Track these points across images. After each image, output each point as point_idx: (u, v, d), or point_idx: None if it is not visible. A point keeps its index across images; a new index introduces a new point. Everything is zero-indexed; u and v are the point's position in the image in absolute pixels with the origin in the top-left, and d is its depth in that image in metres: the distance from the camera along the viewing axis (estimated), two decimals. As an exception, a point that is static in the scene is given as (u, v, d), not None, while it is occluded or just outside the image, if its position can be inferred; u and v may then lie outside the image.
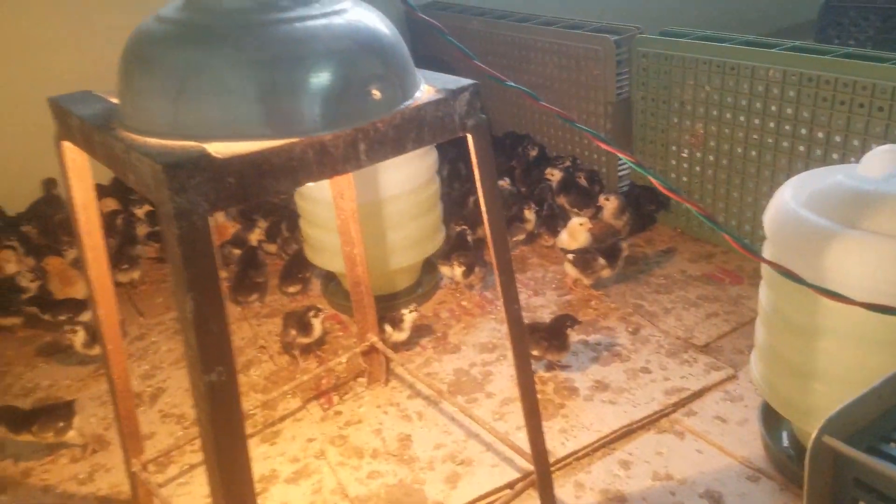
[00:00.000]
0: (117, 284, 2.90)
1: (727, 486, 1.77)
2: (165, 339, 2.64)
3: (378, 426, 2.12)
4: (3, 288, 2.79)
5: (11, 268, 2.91)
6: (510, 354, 2.34)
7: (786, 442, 1.86)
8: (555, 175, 3.29)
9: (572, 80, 3.36)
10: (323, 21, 1.17)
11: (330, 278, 2.90)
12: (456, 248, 2.82)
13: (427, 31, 1.30)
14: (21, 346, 2.65)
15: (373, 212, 2.47)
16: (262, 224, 3.16)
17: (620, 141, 3.23)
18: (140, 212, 3.36)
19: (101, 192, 3.37)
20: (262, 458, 2.02)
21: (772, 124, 2.62)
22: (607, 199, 2.99)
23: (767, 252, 1.70)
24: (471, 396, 2.20)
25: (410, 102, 1.27)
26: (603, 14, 3.79)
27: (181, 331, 1.12)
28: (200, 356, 1.11)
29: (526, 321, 2.37)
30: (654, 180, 1.28)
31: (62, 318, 2.63)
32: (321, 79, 1.15)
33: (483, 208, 1.45)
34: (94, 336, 2.41)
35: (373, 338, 2.26)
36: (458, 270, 2.72)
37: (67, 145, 1.45)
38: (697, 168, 2.95)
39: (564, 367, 2.27)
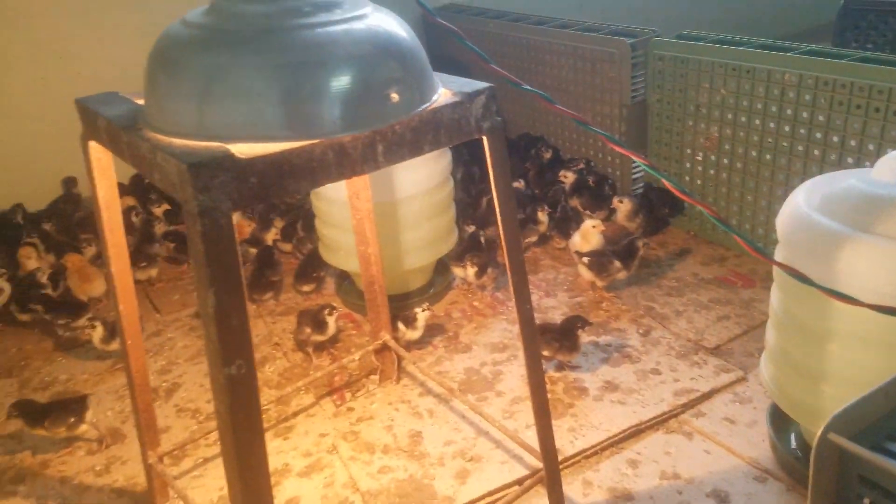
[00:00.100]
0: (135, 282, 2.96)
1: (734, 486, 1.79)
2: (181, 336, 2.69)
3: (389, 422, 2.14)
4: (23, 284, 2.84)
5: (32, 264, 2.97)
6: (521, 354, 2.38)
7: (794, 444, 1.87)
8: (568, 177, 3.31)
9: (587, 82, 3.38)
10: (344, 26, 1.20)
11: (344, 277, 2.94)
12: (469, 249, 2.84)
13: (443, 34, 1.33)
14: (39, 340, 2.70)
15: (388, 212, 2.50)
16: (279, 223, 3.21)
17: (635, 144, 3.24)
18: (158, 211, 3.41)
19: (121, 191, 3.42)
20: (275, 452, 2.05)
21: (787, 128, 2.62)
22: (621, 202, 3.00)
23: (780, 255, 1.71)
24: (481, 395, 2.23)
25: (428, 105, 1.29)
26: (619, 17, 3.79)
27: (202, 324, 1.15)
28: (221, 350, 1.14)
29: (537, 322, 2.40)
30: (666, 183, 1.30)
31: (62, 321, 2.66)
32: (341, 83, 1.18)
33: (497, 209, 1.47)
34: (112, 332, 2.46)
35: (386, 336, 2.29)
36: (470, 271, 2.74)
37: (93, 145, 1.49)
38: (711, 171, 2.96)
39: (574, 368, 2.29)
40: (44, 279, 2.84)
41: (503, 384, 2.27)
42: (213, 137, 1.16)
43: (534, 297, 2.71)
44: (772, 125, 2.67)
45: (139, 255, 2.98)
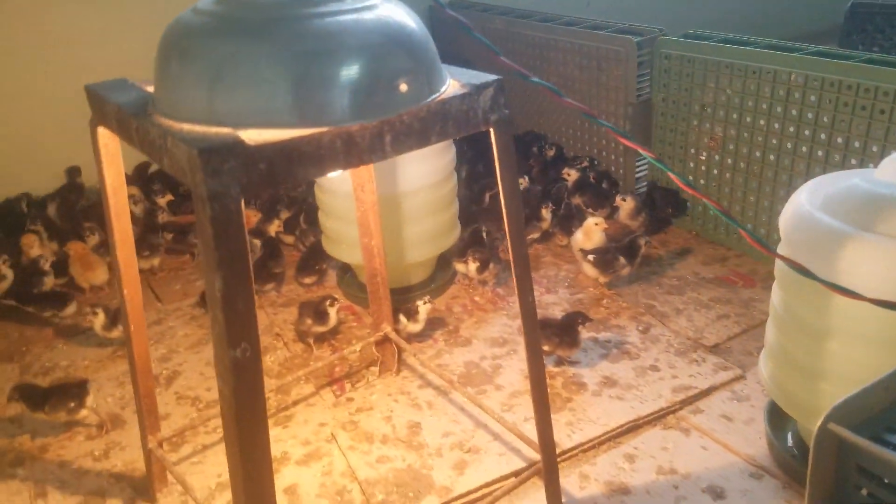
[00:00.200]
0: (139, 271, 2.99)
1: (730, 482, 1.80)
2: (182, 325, 2.69)
3: (388, 413, 2.15)
4: (26, 271, 2.85)
5: (35, 252, 2.97)
6: (520, 349, 2.40)
7: (790, 442, 1.87)
8: (571, 175, 3.32)
9: (593, 80, 3.38)
10: (353, 16, 1.21)
11: (345, 270, 2.94)
12: (470, 244, 2.85)
13: (450, 28, 1.34)
14: (41, 326, 2.71)
15: (391, 205, 2.51)
16: (283, 215, 3.22)
17: (639, 142, 3.24)
18: (162, 201, 3.42)
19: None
20: (274, 440, 2.04)
21: (791, 128, 2.63)
22: (624, 200, 3.01)
23: (782, 253, 1.71)
24: (480, 388, 2.23)
25: (436, 96, 1.30)
26: (625, 15, 3.79)
27: (209, 307, 1.16)
28: (227, 332, 1.15)
29: (538, 317, 2.41)
30: (672, 175, 1.31)
31: (47, 313, 2.69)
32: (351, 72, 1.19)
33: (503, 201, 1.48)
34: (114, 319, 2.47)
35: (387, 328, 2.30)
36: (472, 266, 2.75)
37: (102, 131, 1.50)
38: (715, 171, 2.96)
39: (574, 363, 2.30)
40: (46, 266, 2.84)
41: (502, 378, 2.28)
42: (223, 123, 1.17)
43: (534, 293, 2.71)
44: (776, 126, 2.68)
45: (142, 244, 2.98)
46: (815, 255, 1.56)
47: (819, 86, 2.48)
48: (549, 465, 1.65)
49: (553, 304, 2.66)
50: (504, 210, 1.48)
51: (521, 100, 3.90)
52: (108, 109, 1.42)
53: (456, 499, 1.81)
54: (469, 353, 2.42)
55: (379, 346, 2.33)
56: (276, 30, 1.19)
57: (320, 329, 2.48)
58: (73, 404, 2.09)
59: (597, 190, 3.25)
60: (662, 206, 3.06)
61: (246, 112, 1.18)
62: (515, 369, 2.31)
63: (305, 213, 3.12)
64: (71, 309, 2.71)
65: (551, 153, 3.63)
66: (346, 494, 1.86)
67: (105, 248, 3.01)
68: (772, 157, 2.73)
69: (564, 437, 1.97)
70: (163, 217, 3.31)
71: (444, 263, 2.92)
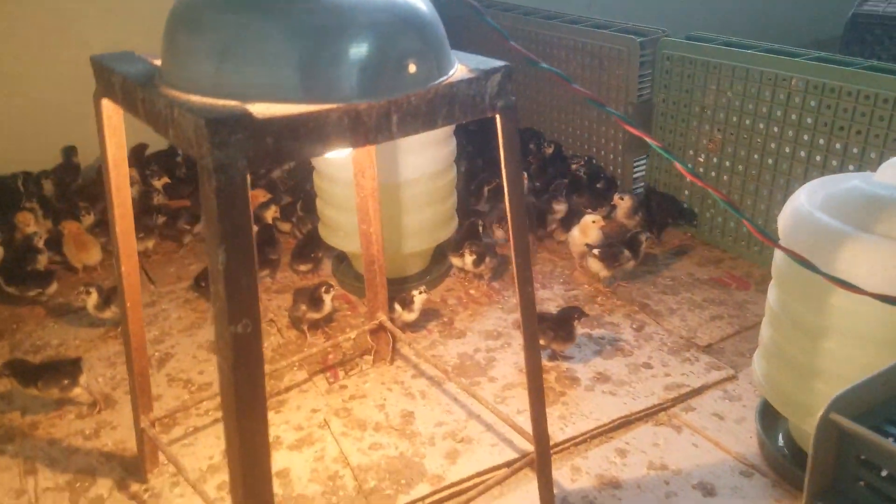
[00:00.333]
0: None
1: (720, 479, 1.80)
2: (175, 308, 2.68)
3: (382, 402, 2.15)
4: (19, 248, 2.83)
5: (30, 230, 2.95)
6: (514, 342, 2.40)
7: (781, 441, 1.88)
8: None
9: (594, 79, 3.39)
10: (366, -6, 1.21)
11: (341, 259, 2.94)
12: (467, 238, 2.85)
13: (457, 14, 1.34)
14: (32, 304, 2.69)
15: (390, 194, 2.50)
16: (282, 201, 3.21)
17: (638, 142, 3.26)
18: (158, 183, 3.40)
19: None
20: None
21: (790, 133, 2.64)
22: (621, 199, 3.02)
23: (779, 254, 1.72)
24: (473, 380, 2.23)
25: (444, 79, 1.30)
26: (628, 14, 3.80)
27: (211, 281, 1.15)
28: (228, 307, 1.15)
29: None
30: (679, 166, 1.31)
31: (31, 293, 2.66)
32: (361, 49, 1.18)
33: (505, 188, 1.48)
34: (107, 299, 2.45)
35: (382, 317, 2.29)
36: (469, 259, 2.75)
37: (106, 103, 1.49)
38: (713, 173, 2.97)
39: (567, 358, 2.30)
40: (40, 244, 2.82)
41: (496, 370, 2.28)
42: (231, 96, 1.17)
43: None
44: (776, 129, 2.69)
45: (136, 226, 2.94)
46: (813, 255, 1.55)
47: (819, 91, 2.50)
48: (542, 456, 1.65)
49: (548, 300, 2.67)
50: (507, 197, 1.48)
51: (520, 96, 3.90)
52: (114, 80, 1.41)
53: (447, 487, 1.81)
54: (463, 345, 2.42)
55: (373, 334, 2.33)
56: (288, 4, 1.18)
57: (315, 316, 2.47)
58: (66, 382, 2.07)
59: (594, 189, 3.25)
60: (659, 212, 3.05)
61: (254, 85, 1.17)
62: (509, 362, 2.31)
63: (303, 200, 3.12)
64: (54, 288, 2.69)
65: (549, 150, 3.64)
66: (337, 480, 1.86)
67: (99, 228, 2.99)
68: (770, 161, 2.74)
69: (557, 431, 1.98)
70: (158, 200, 3.29)
71: (439, 256, 2.92)
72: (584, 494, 1.78)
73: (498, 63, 1.37)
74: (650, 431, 1.98)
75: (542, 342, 2.26)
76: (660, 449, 1.91)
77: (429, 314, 2.57)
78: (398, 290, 2.61)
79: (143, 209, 3.13)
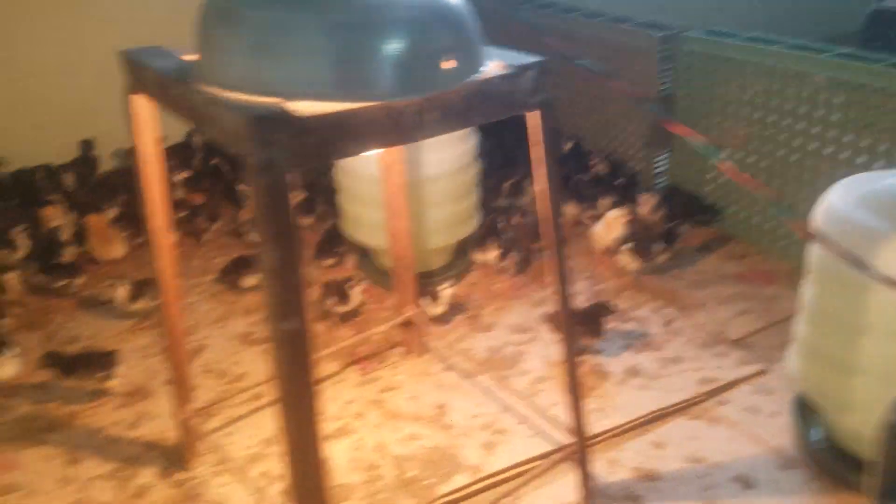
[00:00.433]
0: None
1: (758, 472, 1.82)
2: (204, 300, 2.70)
3: (414, 394, 2.17)
4: (44, 243, 2.84)
5: (56, 223, 2.96)
6: (542, 336, 2.42)
7: (818, 435, 1.90)
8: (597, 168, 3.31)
9: (613, 73, 3.38)
10: (403, -9, 1.21)
11: (364, 253, 2.95)
12: (488, 233, 2.86)
13: (488, 9, 1.34)
14: (60, 297, 2.70)
15: (414, 190, 2.51)
16: (298, 196, 3.22)
17: (659, 137, 3.26)
18: (177, 178, 3.41)
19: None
20: (302, 416, 2.07)
21: (815, 130, 2.64)
22: (645, 196, 3.02)
23: (816, 250, 1.74)
24: (504, 373, 2.25)
25: (479, 76, 1.31)
26: (647, 8, 3.78)
27: (263, 279, 1.17)
28: (279, 305, 1.16)
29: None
30: (721, 165, 1.32)
31: (60, 283, 2.68)
32: (399, 47, 1.19)
33: (541, 185, 1.48)
34: (138, 292, 2.47)
35: (411, 311, 2.31)
36: (493, 253, 2.76)
37: (138, 98, 1.49)
38: (737, 167, 2.97)
39: (597, 352, 2.32)
40: (66, 237, 2.84)
41: (525, 364, 2.30)
42: (269, 93, 1.17)
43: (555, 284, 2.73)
44: (800, 126, 2.70)
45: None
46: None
47: (846, 88, 2.50)
48: (582, 448, 1.67)
49: (574, 295, 2.67)
50: (542, 193, 1.49)
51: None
52: (147, 76, 1.41)
53: (487, 477, 1.83)
54: (491, 339, 2.44)
55: (403, 328, 2.35)
56: (327, 1, 1.19)
57: (343, 309, 2.49)
58: (103, 372, 2.10)
59: (614, 186, 3.25)
60: (681, 213, 3.03)
61: (293, 83, 1.18)
62: (538, 356, 2.33)
63: (323, 195, 3.13)
64: (82, 280, 2.70)
65: (568, 146, 3.64)
66: (377, 469, 1.88)
67: (122, 222, 3.00)
68: (795, 158, 2.74)
69: (592, 424, 1.99)
70: (178, 194, 3.30)
71: (462, 251, 2.93)
72: (623, 486, 1.80)
73: (532, 59, 1.37)
74: (685, 425, 2.00)
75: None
76: (696, 442, 1.93)
77: (455, 308, 2.58)
78: (422, 284, 2.62)
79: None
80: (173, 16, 3.52)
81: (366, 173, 2.53)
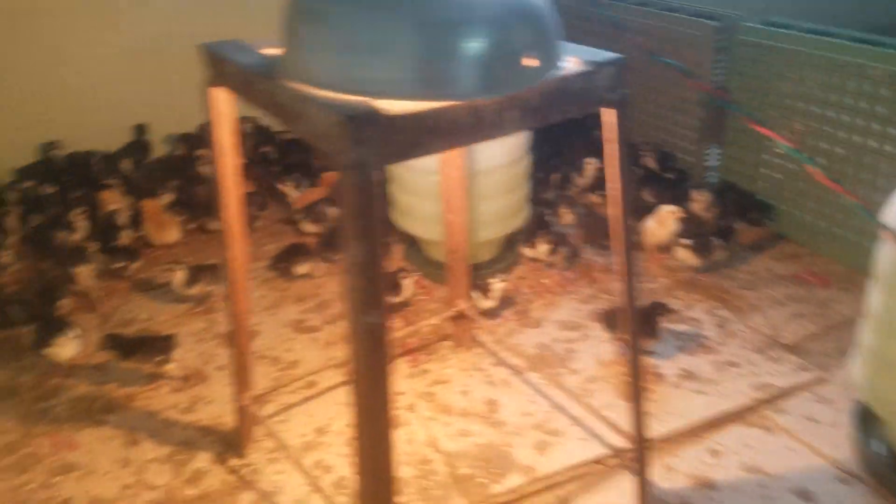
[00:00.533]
0: (209, 232, 3.03)
1: (818, 485, 1.79)
2: (256, 286, 2.72)
3: (465, 388, 2.17)
4: (102, 225, 2.89)
5: (114, 207, 3.01)
6: (593, 334, 2.40)
7: (880, 448, 1.86)
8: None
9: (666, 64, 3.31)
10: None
11: (411, 243, 2.95)
12: (536, 227, 2.84)
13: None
14: (116, 280, 2.74)
15: (468, 182, 2.50)
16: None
17: (712, 129, 3.20)
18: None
19: (193, 141, 3.47)
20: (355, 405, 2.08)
21: (876, 126, 2.56)
22: (698, 193, 2.97)
23: (886, 255, 1.68)
24: (555, 371, 2.24)
25: (557, 73, 1.30)
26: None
27: (347, 273, 1.17)
28: (362, 299, 1.18)
29: (612, 305, 2.41)
30: (811, 169, 1.29)
31: (118, 265, 2.72)
32: (482, 45, 1.19)
33: (613, 184, 1.47)
34: (195, 277, 2.51)
35: (463, 304, 2.31)
36: (543, 248, 2.75)
37: (218, 91, 1.50)
38: (791, 164, 2.90)
39: (650, 354, 2.30)
40: (124, 221, 2.89)
41: (576, 362, 2.28)
42: (356, 91, 1.18)
43: (604, 281, 2.71)
44: (860, 122, 2.62)
45: (214, 207, 3.01)
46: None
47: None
48: (641, 454, 1.66)
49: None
50: (613, 193, 1.47)
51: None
52: (229, 70, 1.43)
53: (541, 479, 1.83)
54: (540, 335, 2.43)
55: (453, 321, 2.35)
56: (415, 1, 1.18)
57: (394, 300, 2.50)
58: (160, 357, 2.14)
59: (667, 180, 3.20)
60: (734, 211, 2.95)
61: (379, 81, 1.19)
62: (589, 354, 2.31)
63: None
64: (139, 263, 2.75)
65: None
66: (429, 464, 1.89)
67: (176, 207, 3.04)
68: (854, 155, 2.66)
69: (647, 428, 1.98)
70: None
71: (507, 244, 2.92)
72: (679, 494, 1.78)
73: (611, 55, 1.37)
74: (742, 432, 1.97)
75: (625, 337, 2.25)
76: (753, 451, 1.91)
77: (503, 302, 2.58)
78: (471, 277, 2.62)
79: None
80: (218, 6, 3.57)
81: (417, 165, 2.52)
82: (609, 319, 2.32)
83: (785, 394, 2.11)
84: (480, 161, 2.53)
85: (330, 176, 3.19)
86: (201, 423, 2.06)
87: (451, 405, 2.10)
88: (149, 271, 2.78)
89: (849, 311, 2.42)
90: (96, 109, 3.47)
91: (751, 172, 3.10)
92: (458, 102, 1.19)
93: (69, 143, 3.41)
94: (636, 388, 1.62)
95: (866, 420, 1.89)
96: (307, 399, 2.12)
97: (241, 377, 1.86)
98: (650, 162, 3.33)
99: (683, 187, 3.09)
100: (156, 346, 2.18)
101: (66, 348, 2.21)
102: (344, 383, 2.19)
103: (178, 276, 2.51)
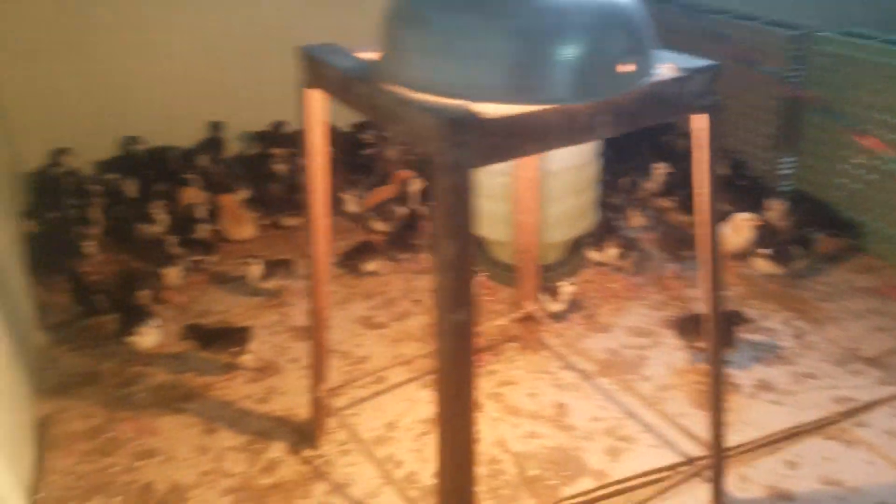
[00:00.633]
0: (283, 228, 3.11)
1: (901, 503, 1.74)
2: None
3: (533, 390, 2.17)
4: (182, 219, 3.00)
5: (194, 201, 3.11)
6: (664, 341, 2.37)
7: (968, 469, 1.79)
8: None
9: (741, 73, 3.25)
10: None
11: (477, 243, 2.97)
12: (604, 231, 2.82)
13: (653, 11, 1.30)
14: (194, 272, 2.82)
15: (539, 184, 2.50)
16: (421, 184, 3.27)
17: (787, 138, 3.13)
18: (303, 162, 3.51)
19: (266, 140, 3.56)
20: (424, 402, 2.12)
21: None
22: (773, 201, 2.90)
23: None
24: (625, 377, 2.22)
25: (651, 78, 1.29)
26: (771, 5, 3.60)
27: (436, 272, 1.20)
28: (452, 297, 1.19)
29: (683, 313, 2.37)
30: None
31: (196, 258, 2.80)
32: (578, 52, 1.20)
33: (702, 190, 1.46)
34: (271, 271, 2.58)
35: (530, 306, 2.31)
36: (612, 252, 2.72)
37: (313, 92, 1.55)
38: (873, 176, 2.81)
39: (726, 363, 2.25)
40: (202, 215, 2.99)
41: (648, 369, 2.26)
42: (453, 95, 1.20)
43: (675, 288, 2.67)
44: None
45: (286, 204, 3.11)
46: None
47: None
48: (718, 463, 1.63)
49: (696, 300, 2.61)
50: (701, 199, 1.46)
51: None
52: (327, 73, 1.47)
53: (613, 483, 1.82)
54: (609, 340, 2.41)
55: (521, 322, 2.35)
56: (512, 5, 1.20)
57: (461, 300, 2.51)
58: (237, 348, 2.21)
59: (742, 188, 3.13)
60: (809, 221, 2.88)
61: (476, 85, 1.21)
62: (661, 361, 2.28)
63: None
64: (216, 256, 2.84)
65: (680, 143, 3.52)
66: (498, 464, 1.90)
67: (252, 203, 3.13)
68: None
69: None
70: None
71: (574, 248, 2.90)
72: (755, 504, 1.75)
73: (705, 62, 1.38)
74: (820, 445, 1.92)
75: (701, 345, 2.22)
76: (832, 464, 1.85)
77: (571, 306, 2.56)
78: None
79: (292, 187, 3.26)
80: (297, 7, 3.65)
81: (491, 167, 2.53)
82: (682, 327, 2.29)
83: (865, 407, 2.04)
84: (552, 162, 2.53)
85: (400, 175, 3.23)
86: (275, 413, 2.11)
87: (519, 407, 2.11)
88: (224, 265, 2.86)
89: (933, 327, 2.33)
90: (173, 105, 3.59)
91: (825, 182, 3.02)
92: (550, 107, 1.20)
93: (146, 139, 3.54)
94: (716, 397, 1.59)
95: (956, 439, 1.82)
96: (377, 394, 2.15)
97: (317, 370, 1.90)
98: (724, 169, 3.27)
99: (757, 195, 3.02)
100: (233, 337, 2.25)
101: (148, 337, 2.30)
102: (412, 380, 2.22)
103: (254, 269, 2.59)
